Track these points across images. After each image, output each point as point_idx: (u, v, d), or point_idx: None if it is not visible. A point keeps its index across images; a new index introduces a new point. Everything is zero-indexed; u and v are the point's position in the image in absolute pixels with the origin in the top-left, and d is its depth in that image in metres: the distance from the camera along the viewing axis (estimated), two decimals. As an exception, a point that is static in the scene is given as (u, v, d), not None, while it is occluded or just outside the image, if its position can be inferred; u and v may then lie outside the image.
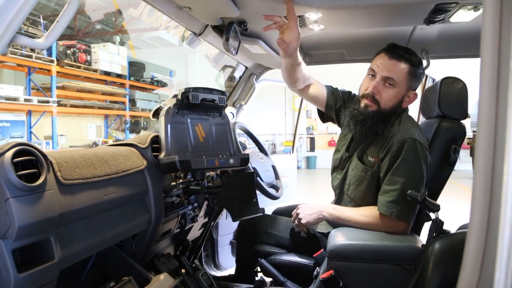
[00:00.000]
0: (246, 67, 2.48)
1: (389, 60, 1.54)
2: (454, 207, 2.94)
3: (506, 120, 0.54)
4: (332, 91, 1.84)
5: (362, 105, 1.59)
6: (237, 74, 2.66)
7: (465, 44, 1.98)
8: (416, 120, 2.46)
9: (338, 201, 1.75)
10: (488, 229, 0.57)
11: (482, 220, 0.57)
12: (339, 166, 1.74)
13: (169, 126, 1.37)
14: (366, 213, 1.53)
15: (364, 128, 1.58)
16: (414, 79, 1.56)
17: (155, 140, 1.40)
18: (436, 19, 1.54)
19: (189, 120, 1.44)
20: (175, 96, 1.42)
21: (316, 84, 1.84)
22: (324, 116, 1.92)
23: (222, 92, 1.52)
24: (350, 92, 1.86)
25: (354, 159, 1.65)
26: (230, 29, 1.52)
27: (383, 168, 1.53)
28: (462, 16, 1.51)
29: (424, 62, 2.11)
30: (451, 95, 1.66)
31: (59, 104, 7.55)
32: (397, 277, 1.37)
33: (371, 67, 1.60)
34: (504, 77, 0.55)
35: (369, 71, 1.61)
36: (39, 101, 6.97)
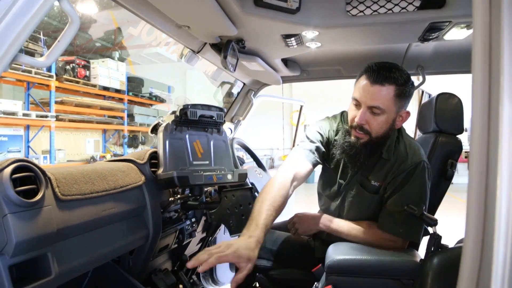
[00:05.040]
0: (244, 84, 2.50)
1: (372, 86, 1.39)
2: (453, 220, 2.93)
3: (498, 133, 0.55)
4: (310, 151, 1.58)
5: (352, 137, 1.47)
6: (235, 90, 2.68)
7: (459, 61, 2.01)
8: (413, 135, 2.47)
9: None
10: (483, 244, 0.57)
11: (477, 235, 0.58)
12: (334, 197, 1.66)
13: (167, 142, 1.37)
14: (363, 229, 1.52)
15: (359, 162, 1.49)
16: (402, 99, 1.43)
17: (154, 156, 1.41)
18: (431, 37, 1.57)
19: (187, 136, 1.45)
20: (174, 112, 1.44)
21: (302, 167, 1.56)
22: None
23: (220, 109, 1.53)
24: (321, 134, 1.62)
25: (355, 186, 1.56)
26: (228, 47, 1.54)
27: (389, 190, 1.48)
28: (456, 34, 1.54)
29: (420, 78, 2.14)
30: (446, 110, 1.67)
31: (58, 119, 7.55)
32: (396, 292, 1.36)
33: (354, 96, 1.45)
34: (495, 93, 0.57)
35: (352, 100, 1.46)
36: (37, 116, 6.96)
